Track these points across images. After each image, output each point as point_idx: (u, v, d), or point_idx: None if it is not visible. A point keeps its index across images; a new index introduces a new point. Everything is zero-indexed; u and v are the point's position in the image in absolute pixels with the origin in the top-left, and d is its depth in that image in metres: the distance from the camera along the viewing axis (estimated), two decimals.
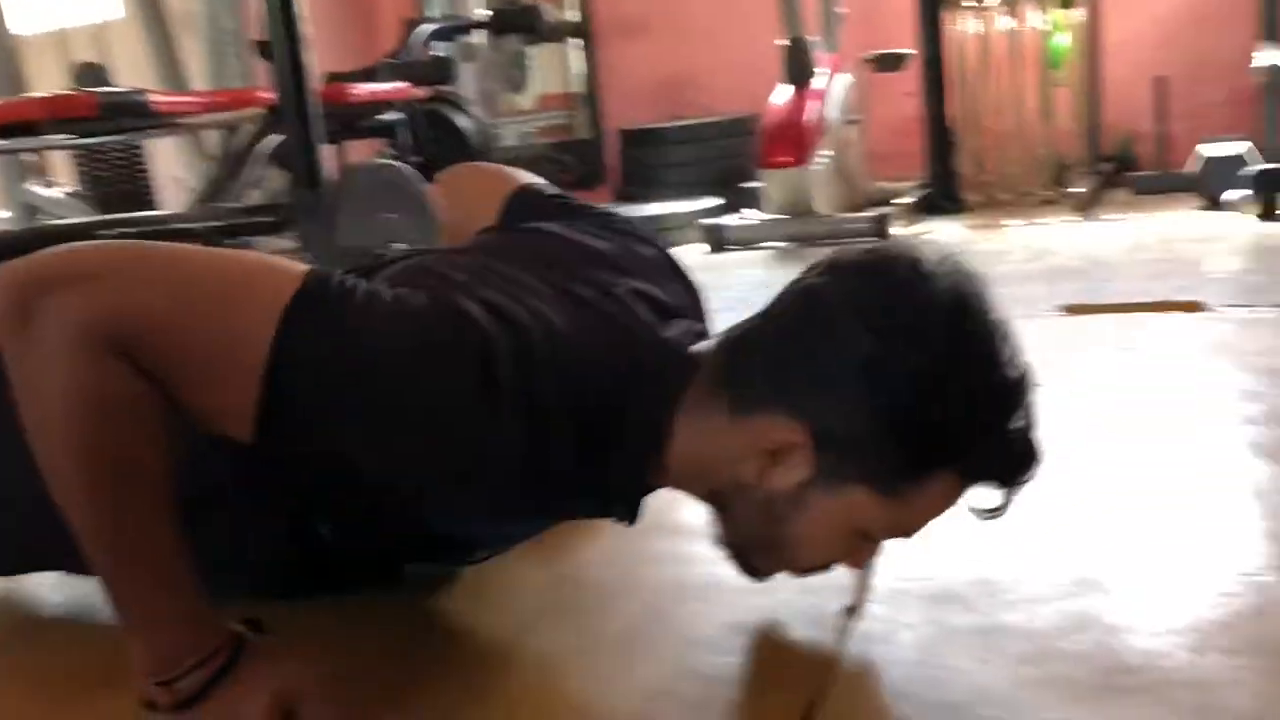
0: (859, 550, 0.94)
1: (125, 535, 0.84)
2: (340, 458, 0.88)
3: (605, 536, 1.31)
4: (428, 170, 3.29)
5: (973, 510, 0.91)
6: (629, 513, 0.98)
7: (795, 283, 0.94)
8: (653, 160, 4.64)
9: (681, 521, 1.31)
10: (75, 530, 0.85)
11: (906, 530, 0.92)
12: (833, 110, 3.77)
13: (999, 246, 3.15)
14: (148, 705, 0.87)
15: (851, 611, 1.04)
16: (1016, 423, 0.87)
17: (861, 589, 1.08)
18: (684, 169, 4.54)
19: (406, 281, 0.93)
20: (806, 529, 0.91)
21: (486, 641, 1.07)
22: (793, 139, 3.52)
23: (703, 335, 1.02)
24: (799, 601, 1.08)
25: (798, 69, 3.67)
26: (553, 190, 1.24)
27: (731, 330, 0.96)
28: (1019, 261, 2.87)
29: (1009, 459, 0.88)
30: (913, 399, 0.85)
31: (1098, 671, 0.91)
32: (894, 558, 1.14)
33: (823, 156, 3.64)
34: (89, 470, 0.82)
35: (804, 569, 0.97)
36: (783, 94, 3.67)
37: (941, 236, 3.44)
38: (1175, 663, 0.91)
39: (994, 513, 0.90)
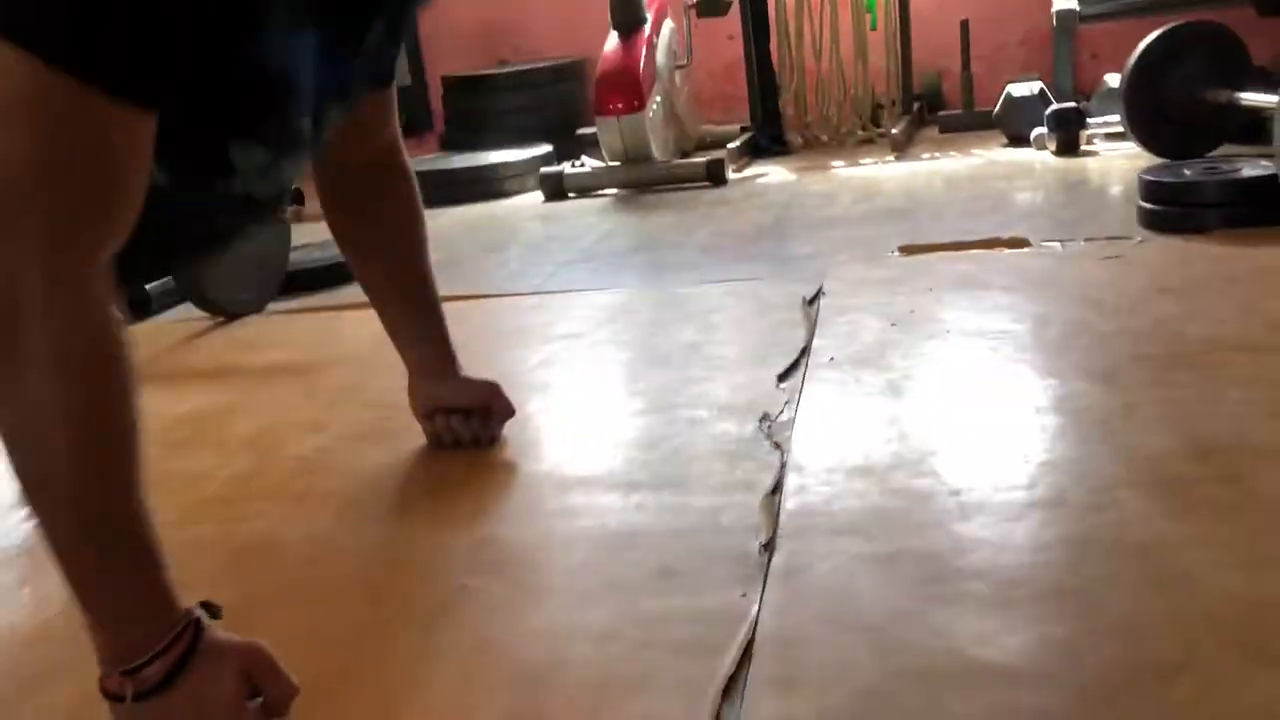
0: None
1: (110, 513, 0.85)
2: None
3: (511, 495, 1.36)
4: None
5: None
6: None
7: None
8: (481, 107, 4.59)
9: (584, 474, 1.38)
10: (53, 520, 0.85)
11: None
12: (662, 56, 3.83)
13: (829, 189, 3.30)
14: (113, 698, 0.88)
15: (767, 547, 1.14)
16: None
17: (772, 525, 1.17)
18: (513, 116, 4.50)
19: None
20: None
21: (425, 608, 1.11)
22: (628, 86, 3.56)
23: None
24: (719, 542, 1.16)
25: (627, 16, 3.71)
26: None
27: None
28: (850, 204, 3.02)
29: None
30: None
31: (993, 586, 1.03)
32: (793, 495, 1.24)
33: (656, 103, 3.71)
34: (85, 440, 0.83)
35: None
36: (614, 42, 3.70)
37: (773, 180, 3.57)
38: (1057, 573, 1.04)
39: None
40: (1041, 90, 3.67)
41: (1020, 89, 3.71)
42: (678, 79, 4.06)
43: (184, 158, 0.97)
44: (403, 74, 5.19)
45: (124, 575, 0.87)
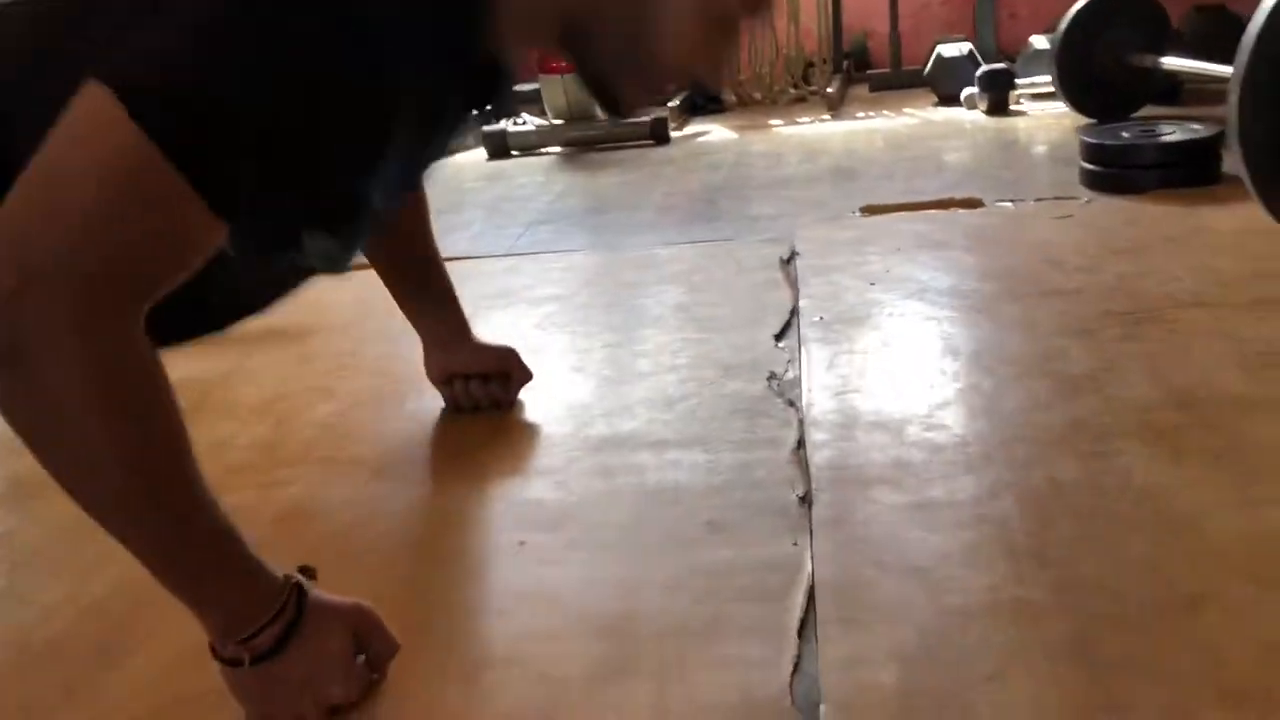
0: (714, 41, 0.97)
1: (178, 525, 0.86)
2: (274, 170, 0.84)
3: (542, 456, 1.41)
4: None
5: None
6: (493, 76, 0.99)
7: None
8: None
9: (609, 434, 1.44)
10: (125, 535, 0.85)
11: None
12: None
13: (773, 148, 3.38)
14: (231, 663, 0.91)
15: (804, 500, 1.22)
16: None
17: (806, 479, 1.26)
18: None
19: None
20: (663, 22, 0.94)
21: (487, 565, 1.17)
22: None
23: None
24: (758, 496, 1.24)
25: None
26: None
27: None
28: (797, 163, 3.10)
29: None
30: None
31: (1020, 530, 1.12)
32: (818, 450, 1.32)
33: None
34: (135, 463, 0.81)
35: (671, 73, 1.00)
36: None
37: (715, 139, 3.63)
38: (1076, 517, 1.14)
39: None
40: (971, 51, 3.80)
41: (950, 50, 3.83)
42: None
43: (256, 237, 0.95)
44: None
45: (211, 564, 0.89)
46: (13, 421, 0.81)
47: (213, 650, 0.92)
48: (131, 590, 1.17)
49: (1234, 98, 1.66)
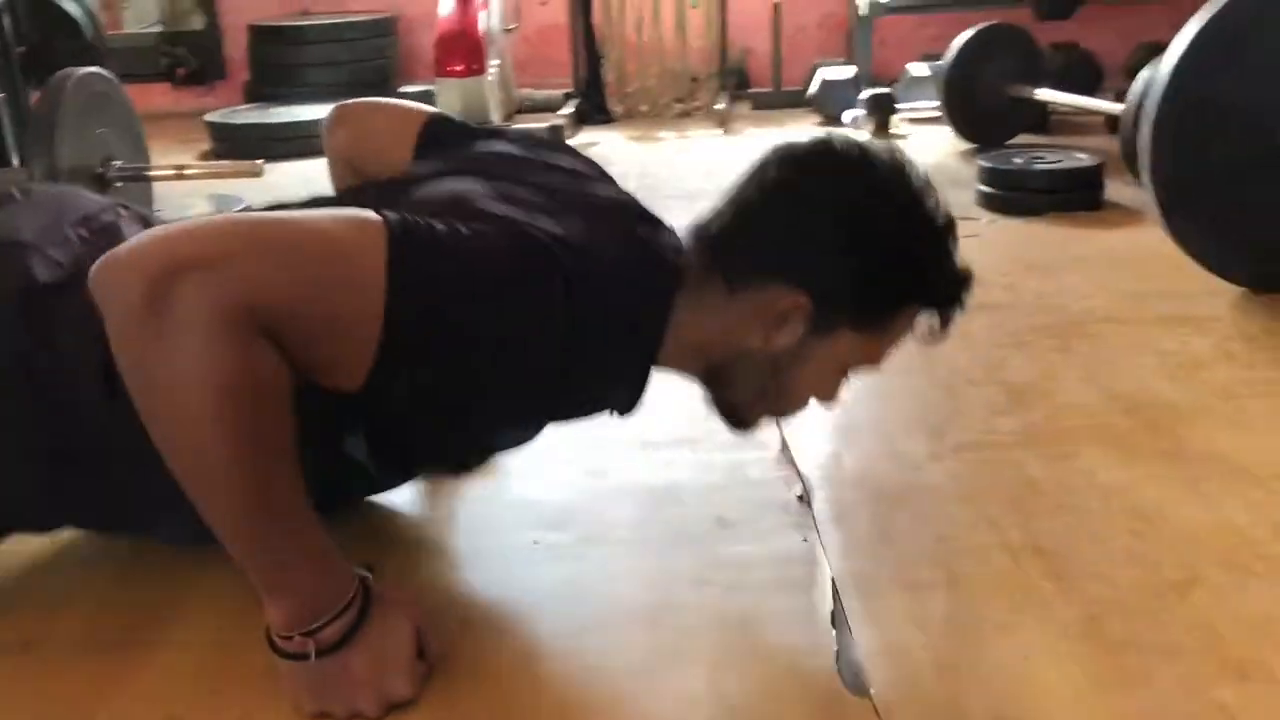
0: (839, 385, 1.13)
1: (272, 505, 0.87)
2: (434, 385, 0.94)
3: (531, 456, 1.42)
4: (34, 62, 2.99)
5: (925, 336, 1.11)
6: (633, 403, 1.11)
7: (755, 176, 1.09)
8: (289, 59, 4.44)
9: (595, 435, 1.46)
10: (214, 508, 0.86)
11: (877, 360, 1.12)
12: (495, 19, 3.86)
13: (670, 159, 3.45)
14: (295, 658, 0.91)
15: (803, 499, 1.28)
16: (954, 254, 1.10)
17: (801, 479, 1.32)
18: (323, 70, 4.39)
19: (452, 212, 0.97)
20: (804, 375, 1.09)
21: (509, 562, 1.18)
22: (469, 49, 3.57)
23: (661, 225, 1.12)
24: (757, 495, 1.29)
25: None
26: (459, 120, 1.31)
27: (704, 224, 1.09)
28: (704, 176, 3.17)
29: (956, 283, 1.09)
30: (888, 248, 1.04)
31: (1011, 524, 1.21)
32: (803, 452, 1.39)
33: (493, 66, 3.73)
34: (240, 449, 0.83)
35: (791, 412, 1.15)
36: (450, 2, 3.69)
37: (610, 150, 3.68)
38: (1056, 510, 1.23)
39: (940, 335, 1.11)
40: (855, 75, 3.96)
41: (834, 73, 3.99)
42: (506, 43, 4.09)
43: (379, 444, 1.04)
44: (193, 20, 4.94)
45: (294, 548, 0.90)
46: (128, 370, 0.84)
47: (272, 644, 0.91)
48: (149, 581, 1.14)
49: (1145, 133, 1.80)
